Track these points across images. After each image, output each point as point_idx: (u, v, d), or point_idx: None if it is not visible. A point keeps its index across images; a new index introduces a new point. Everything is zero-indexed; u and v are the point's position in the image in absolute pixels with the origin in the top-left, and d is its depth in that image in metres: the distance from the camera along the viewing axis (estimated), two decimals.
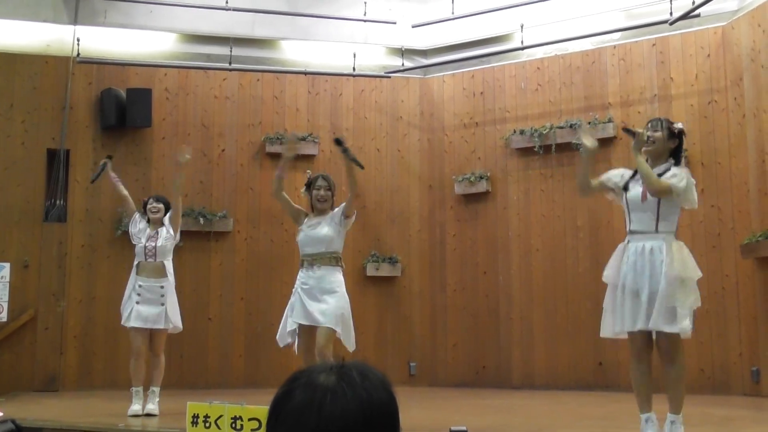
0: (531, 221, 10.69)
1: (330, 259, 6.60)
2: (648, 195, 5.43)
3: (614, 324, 5.48)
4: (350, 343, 6.48)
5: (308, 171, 7.30)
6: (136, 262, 7.69)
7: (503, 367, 10.67)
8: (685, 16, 9.39)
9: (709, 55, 9.80)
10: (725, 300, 9.12)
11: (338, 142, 6.60)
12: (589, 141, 5.71)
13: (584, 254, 10.26)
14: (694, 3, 9.30)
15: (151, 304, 7.52)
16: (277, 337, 6.74)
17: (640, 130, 5.54)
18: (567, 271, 10.38)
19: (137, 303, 7.52)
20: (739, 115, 9.38)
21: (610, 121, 10.18)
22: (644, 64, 10.18)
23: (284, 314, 6.75)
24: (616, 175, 5.73)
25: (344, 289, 6.58)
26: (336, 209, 6.69)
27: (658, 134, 5.53)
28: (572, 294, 10.29)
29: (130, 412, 7.29)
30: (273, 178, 6.98)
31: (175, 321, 7.69)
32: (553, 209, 10.52)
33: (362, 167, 6.65)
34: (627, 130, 5.69)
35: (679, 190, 5.38)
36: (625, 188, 5.57)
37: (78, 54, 10.50)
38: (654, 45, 10.13)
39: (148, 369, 7.59)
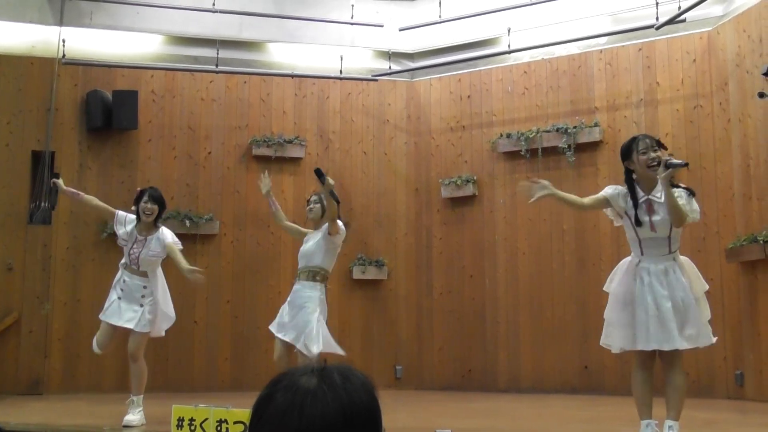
0: (517, 225, 10.71)
1: (308, 273, 6.88)
2: (656, 225, 5.42)
3: (625, 339, 5.51)
4: (314, 346, 6.60)
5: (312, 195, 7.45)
6: (122, 261, 7.27)
7: (489, 370, 10.67)
8: (671, 21, 9.43)
9: (694, 60, 9.84)
10: (710, 304, 9.08)
11: (318, 173, 6.65)
12: (539, 192, 5.69)
13: (570, 258, 10.28)
14: (680, 8, 9.34)
15: (129, 302, 7.06)
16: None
17: (682, 162, 5.28)
18: (553, 274, 10.40)
19: (118, 298, 7.09)
20: (725, 120, 9.43)
21: (596, 125, 10.21)
22: (630, 69, 10.21)
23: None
24: (618, 196, 5.61)
25: (314, 304, 6.75)
26: (325, 224, 6.93)
27: (659, 153, 5.45)
28: (558, 297, 10.31)
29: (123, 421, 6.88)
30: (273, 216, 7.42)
31: (161, 323, 7.22)
32: (540, 213, 10.53)
33: (338, 202, 6.77)
34: (671, 164, 5.24)
35: (692, 215, 5.41)
36: (638, 222, 5.47)
37: (63, 55, 10.45)
38: (640, 50, 10.16)
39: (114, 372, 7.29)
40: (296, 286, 6.91)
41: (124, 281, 7.15)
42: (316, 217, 6.99)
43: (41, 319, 10.07)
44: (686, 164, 5.33)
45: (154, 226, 7.23)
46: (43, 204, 10.25)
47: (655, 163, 5.36)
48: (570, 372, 10.12)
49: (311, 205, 7.03)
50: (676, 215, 5.32)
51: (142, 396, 7.04)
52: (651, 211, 5.45)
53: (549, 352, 10.30)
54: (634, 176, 5.56)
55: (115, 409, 7.27)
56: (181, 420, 5.60)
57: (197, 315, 10.60)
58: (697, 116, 9.73)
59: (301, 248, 7.02)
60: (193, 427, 5.52)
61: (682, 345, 5.35)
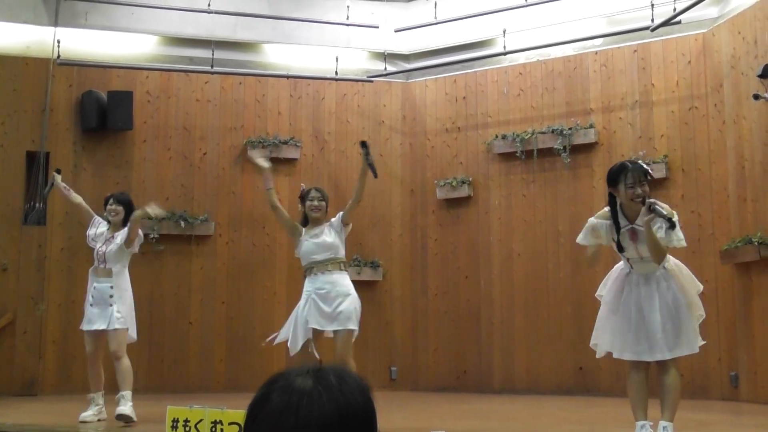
0: (512, 226, 10.71)
1: (338, 263, 6.87)
2: (640, 251, 5.45)
3: (614, 345, 5.57)
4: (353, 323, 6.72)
5: (303, 185, 7.40)
6: (91, 268, 7.48)
7: (484, 371, 10.67)
8: (667, 23, 9.44)
9: (689, 62, 9.86)
10: (704, 305, 9.04)
11: (363, 144, 6.84)
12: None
13: (565, 259, 10.29)
14: (675, 10, 9.35)
15: (100, 306, 7.24)
16: (289, 344, 6.78)
17: (666, 216, 5.26)
18: (548, 276, 10.40)
19: (90, 305, 7.31)
20: (719, 122, 9.44)
21: (591, 126, 10.22)
22: (626, 70, 10.22)
23: (290, 320, 6.88)
24: (601, 227, 5.62)
25: (355, 292, 6.84)
26: (333, 219, 6.93)
27: (646, 188, 5.45)
28: (553, 299, 10.31)
29: (80, 418, 7.04)
30: (265, 193, 7.19)
31: (129, 325, 7.30)
32: (535, 214, 10.54)
33: (376, 175, 6.79)
34: (656, 211, 5.26)
35: (678, 244, 5.39)
36: (620, 249, 5.54)
37: (58, 56, 10.43)
38: (635, 51, 10.18)
39: (112, 374, 7.28)
40: (328, 277, 6.74)
41: (94, 287, 7.36)
42: (321, 217, 6.95)
43: (36, 319, 10.05)
44: (671, 221, 5.25)
45: (123, 226, 7.46)
46: (37, 205, 10.24)
47: (640, 199, 5.39)
48: (565, 373, 10.13)
49: (316, 203, 6.91)
50: (656, 255, 5.34)
51: (130, 392, 7.14)
52: (635, 238, 5.47)
53: (544, 354, 10.30)
54: (618, 201, 5.55)
55: (111, 410, 7.25)
56: (175, 421, 5.58)
57: (192, 316, 10.59)
58: (692, 118, 9.75)
59: (316, 241, 6.81)
60: (187, 428, 5.51)
61: (663, 356, 5.36)
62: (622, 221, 5.50)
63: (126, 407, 6.97)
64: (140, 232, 7.56)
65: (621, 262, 5.71)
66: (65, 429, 6.92)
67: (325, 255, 6.80)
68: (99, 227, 7.54)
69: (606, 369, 9.52)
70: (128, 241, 7.36)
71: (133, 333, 7.41)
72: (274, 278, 10.84)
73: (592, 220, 5.71)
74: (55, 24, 10.60)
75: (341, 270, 6.85)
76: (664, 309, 5.37)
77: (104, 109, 10.43)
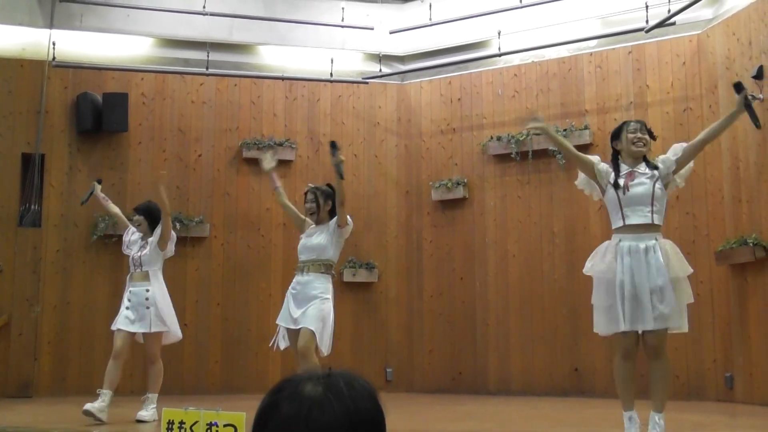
0: (508, 227, 10.72)
1: (319, 266, 6.82)
2: (632, 188, 5.56)
3: (608, 323, 5.52)
4: (324, 346, 6.60)
5: (309, 184, 7.40)
6: (128, 275, 7.71)
7: (479, 373, 10.68)
8: (661, 24, 9.46)
9: (684, 63, 9.87)
10: (700, 306, 9.16)
11: (333, 145, 6.69)
12: (531, 123, 6.17)
13: (560, 260, 10.30)
14: (669, 11, 9.37)
15: (136, 309, 7.44)
16: (273, 341, 6.96)
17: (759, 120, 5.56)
18: (543, 277, 10.41)
19: (126, 308, 7.49)
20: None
21: (586, 128, 10.23)
22: (620, 72, 10.24)
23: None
24: (603, 169, 5.76)
25: (329, 296, 6.76)
26: (332, 219, 6.90)
27: (647, 137, 5.73)
28: (548, 300, 10.32)
29: (84, 407, 6.94)
30: (274, 193, 7.46)
31: (170, 325, 7.57)
32: (530, 215, 10.56)
33: (341, 177, 6.55)
34: (748, 104, 5.54)
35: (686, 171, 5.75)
36: (615, 185, 5.62)
37: (54, 58, 10.43)
38: (630, 52, 10.19)
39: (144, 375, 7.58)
40: (302, 278, 6.78)
41: (130, 291, 7.58)
42: (322, 216, 6.97)
43: (31, 321, 10.04)
44: (756, 123, 5.57)
45: (151, 233, 7.71)
46: (32, 207, 10.23)
47: (641, 143, 5.67)
48: (560, 374, 10.13)
49: (308, 205, 6.96)
50: (715, 134, 5.81)
51: (157, 395, 7.46)
52: (631, 178, 5.62)
53: (539, 355, 10.31)
54: (620, 157, 5.77)
55: (113, 412, 7.27)
56: (171, 423, 5.58)
57: (187, 318, 10.57)
58: (687, 119, 9.76)
59: (306, 241, 6.90)
60: (183, 430, 5.50)
61: (651, 325, 5.33)
62: (623, 167, 5.70)
63: (148, 412, 7.31)
64: (174, 233, 7.75)
65: (607, 241, 5.70)
66: (60, 431, 6.91)
67: (308, 256, 6.83)
68: (133, 235, 7.77)
69: (601, 370, 9.53)
70: (162, 241, 7.57)
71: (177, 332, 7.71)
72: (270, 280, 10.84)
73: (596, 157, 5.92)
74: (51, 26, 10.59)
75: (320, 273, 6.78)
76: (654, 280, 5.35)
77: (99, 111, 10.43)
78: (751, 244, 8.50)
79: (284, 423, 1.47)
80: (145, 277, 7.56)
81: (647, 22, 9.56)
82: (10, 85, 10.40)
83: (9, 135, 10.33)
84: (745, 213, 8.88)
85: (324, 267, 6.81)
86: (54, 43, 10.47)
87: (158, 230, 7.61)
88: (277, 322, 6.87)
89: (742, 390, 8.83)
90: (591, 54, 10.46)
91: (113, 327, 7.55)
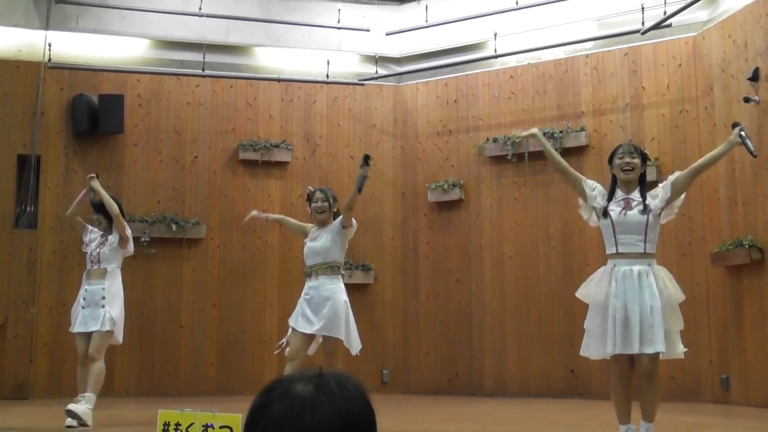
0: (504, 229, 10.72)
1: (327, 268, 6.88)
2: (628, 215, 5.50)
3: (600, 347, 5.53)
4: (353, 349, 6.79)
5: (310, 187, 7.45)
6: (84, 271, 7.53)
7: (476, 374, 10.68)
8: (657, 26, 9.47)
9: (680, 65, 9.88)
10: (695, 308, 9.18)
11: (366, 159, 6.86)
12: (525, 132, 6.11)
13: (556, 262, 10.31)
14: (665, 13, 9.38)
15: (91, 308, 7.24)
16: (283, 343, 6.96)
17: (752, 148, 5.57)
18: (539, 278, 10.42)
19: (82, 308, 7.29)
20: (710, 125, 9.47)
21: (582, 129, 10.24)
22: (616, 74, 10.25)
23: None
24: (595, 191, 5.70)
25: (343, 295, 6.80)
26: (336, 220, 6.97)
27: (636, 161, 5.59)
28: (544, 302, 10.32)
29: (66, 423, 6.76)
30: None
31: (116, 327, 7.24)
32: (526, 217, 10.56)
33: (360, 191, 6.78)
34: (743, 135, 5.55)
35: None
36: (605, 214, 5.57)
37: (50, 59, 10.42)
38: (626, 54, 10.20)
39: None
40: (313, 282, 6.81)
41: (85, 290, 7.37)
42: (326, 218, 6.99)
43: (27, 323, 10.03)
44: (753, 154, 5.62)
45: (110, 231, 7.55)
46: (28, 208, 10.22)
47: (630, 168, 5.55)
48: (556, 376, 10.14)
49: (319, 204, 6.95)
50: (708, 165, 5.76)
51: (95, 396, 7.00)
52: (627, 207, 5.55)
53: (535, 356, 10.31)
54: (617, 183, 5.70)
55: (103, 413, 7.25)
56: (166, 425, 5.57)
57: (183, 319, 10.57)
58: (683, 121, 9.78)
59: (312, 245, 6.92)
60: None
61: (643, 349, 5.34)
62: (618, 194, 5.63)
63: (81, 407, 6.83)
64: (129, 231, 7.51)
65: (603, 267, 5.70)
66: None
67: (315, 260, 6.87)
68: (92, 233, 7.60)
69: (597, 372, 9.54)
70: (122, 241, 7.41)
71: (119, 336, 7.37)
72: (266, 281, 10.83)
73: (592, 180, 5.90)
74: (46, 27, 10.58)
75: (330, 275, 6.84)
76: (644, 305, 5.35)
77: (95, 113, 10.42)
78: (746, 246, 8.50)
79: (276, 422, 1.46)
80: (103, 274, 7.35)
81: (643, 24, 9.57)
82: (6, 86, 10.39)
83: (5, 136, 10.31)
84: (741, 215, 8.89)
85: (331, 269, 6.87)
86: (50, 45, 10.45)
87: (116, 230, 7.47)
88: (291, 325, 6.80)
89: (737, 391, 8.84)
90: (587, 56, 10.47)
91: (71, 330, 7.37)
